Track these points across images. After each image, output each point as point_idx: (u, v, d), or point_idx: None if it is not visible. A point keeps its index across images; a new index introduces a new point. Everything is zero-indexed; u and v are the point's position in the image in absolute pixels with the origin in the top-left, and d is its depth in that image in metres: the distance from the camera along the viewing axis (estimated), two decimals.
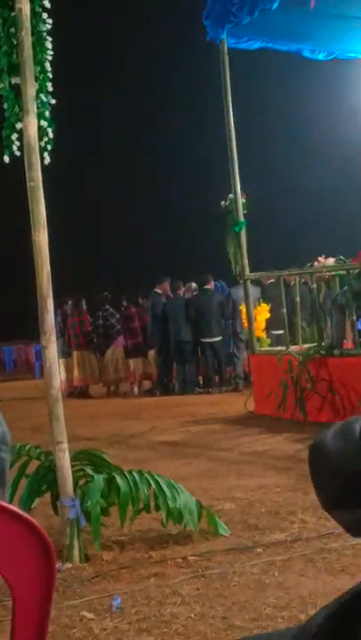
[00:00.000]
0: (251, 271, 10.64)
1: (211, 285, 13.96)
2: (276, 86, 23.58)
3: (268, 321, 10.97)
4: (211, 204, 11.95)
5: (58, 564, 4.15)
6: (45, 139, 4.69)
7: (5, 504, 1.16)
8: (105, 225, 29.89)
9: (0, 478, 1.22)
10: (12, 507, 1.16)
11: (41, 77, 4.67)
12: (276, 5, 9.16)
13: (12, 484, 4.61)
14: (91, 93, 27.92)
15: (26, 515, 1.16)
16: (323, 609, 1.31)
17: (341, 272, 9.43)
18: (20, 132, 4.54)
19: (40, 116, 4.63)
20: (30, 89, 4.50)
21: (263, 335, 10.82)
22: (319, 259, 9.89)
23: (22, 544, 1.16)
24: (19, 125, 4.55)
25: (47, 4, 4.71)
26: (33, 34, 4.55)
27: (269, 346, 10.79)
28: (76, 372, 14.99)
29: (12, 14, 4.50)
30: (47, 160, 4.69)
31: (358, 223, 13.49)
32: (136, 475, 4.57)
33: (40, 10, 4.67)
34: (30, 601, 1.18)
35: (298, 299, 10.23)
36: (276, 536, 4.65)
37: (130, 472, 4.61)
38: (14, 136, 4.57)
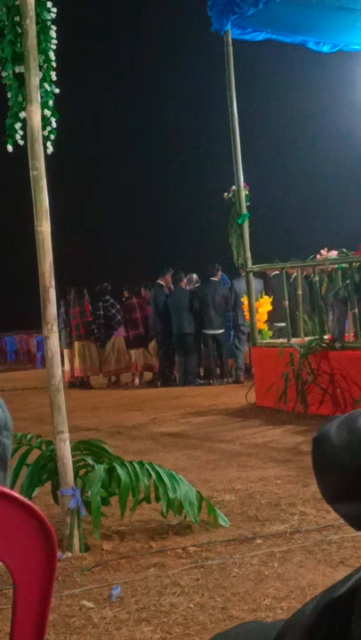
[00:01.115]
0: (253, 263, 10.63)
1: (218, 277, 13.93)
2: (280, 78, 23.53)
3: (270, 313, 10.97)
4: (213, 197, 11.94)
5: (58, 554, 4.16)
6: (49, 128, 4.68)
7: (7, 490, 1.16)
8: (107, 218, 29.87)
9: (1, 464, 1.22)
10: (13, 493, 1.16)
11: (45, 66, 4.66)
12: None
13: (12, 472, 4.62)
14: (92, 88, 27.88)
15: (27, 501, 1.16)
16: (311, 602, 1.31)
17: (344, 265, 9.42)
18: (24, 122, 4.53)
19: (44, 105, 4.62)
20: (34, 78, 4.48)
21: (265, 327, 10.82)
22: (322, 251, 9.88)
23: (24, 530, 1.16)
24: (22, 114, 4.54)
25: None
26: (37, 23, 4.54)
27: (271, 338, 10.78)
28: (76, 363, 14.99)
29: (17, 3, 4.48)
30: (50, 149, 4.68)
31: None
32: (137, 465, 4.58)
33: None
34: (31, 588, 1.19)
35: (300, 291, 10.23)
36: (276, 527, 4.65)
37: (130, 462, 4.61)
38: (18, 125, 4.56)
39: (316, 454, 1.26)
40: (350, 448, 1.18)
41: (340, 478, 1.19)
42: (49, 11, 4.67)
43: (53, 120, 4.72)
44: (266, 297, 11.05)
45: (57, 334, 4.55)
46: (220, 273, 13.98)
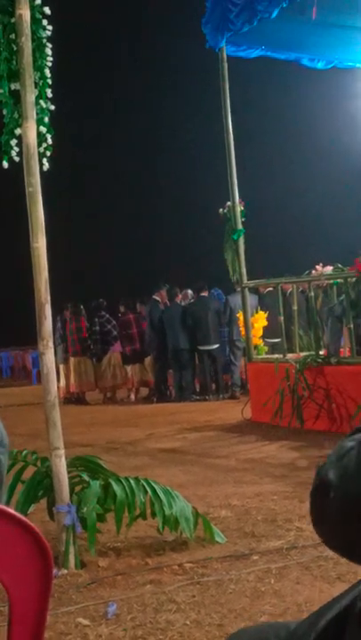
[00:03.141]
0: (249, 279, 10.64)
1: (205, 292, 13.96)
2: (275, 94, 23.63)
3: (265, 329, 10.97)
4: (209, 212, 11.95)
5: (54, 570, 4.13)
6: (44, 145, 4.70)
7: (3, 507, 1.16)
8: (104, 233, 29.89)
9: None
10: (9, 509, 1.16)
11: (40, 83, 4.68)
12: (275, 14, 9.18)
13: (8, 489, 4.60)
14: (90, 102, 28.00)
15: (23, 518, 1.16)
16: (307, 619, 1.30)
17: (339, 280, 9.43)
18: (20, 138, 4.55)
19: (39, 122, 4.64)
20: (30, 95, 4.51)
21: (260, 343, 10.82)
22: (317, 267, 9.90)
23: (20, 547, 1.16)
24: (18, 131, 4.55)
25: (47, 11, 4.72)
26: (33, 40, 4.56)
27: (266, 354, 10.78)
28: (72, 379, 14.97)
29: (12, 20, 4.51)
30: (46, 166, 4.69)
31: (357, 231, 13.51)
32: (132, 481, 4.56)
33: (40, 16, 4.68)
34: (27, 604, 1.18)
35: (295, 307, 10.24)
36: (273, 543, 4.64)
37: (126, 478, 4.60)
38: (13, 142, 4.58)
39: (319, 504, 1.18)
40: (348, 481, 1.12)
41: (353, 530, 1.13)
42: (44, 28, 4.70)
43: (49, 137, 4.74)
44: (261, 312, 11.06)
45: (52, 350, 4.55)
46: (206, 289, 14.01)
